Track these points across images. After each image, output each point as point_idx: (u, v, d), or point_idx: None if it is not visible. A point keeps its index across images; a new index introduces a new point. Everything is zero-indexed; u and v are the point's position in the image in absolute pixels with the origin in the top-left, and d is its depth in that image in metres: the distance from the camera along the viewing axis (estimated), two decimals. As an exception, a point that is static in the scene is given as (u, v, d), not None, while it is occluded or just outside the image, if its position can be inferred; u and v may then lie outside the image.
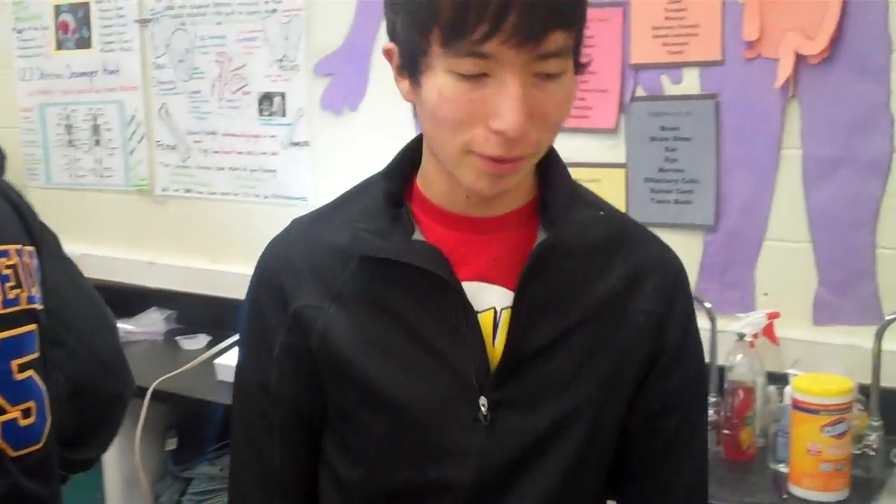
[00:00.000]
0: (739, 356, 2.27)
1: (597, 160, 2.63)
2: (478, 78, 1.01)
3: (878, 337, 2.18)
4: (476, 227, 1.16)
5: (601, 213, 1.20)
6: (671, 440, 1.22)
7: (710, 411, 2.30)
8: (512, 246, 1.16)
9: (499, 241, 1.16)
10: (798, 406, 2.05)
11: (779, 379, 2.27)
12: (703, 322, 2.35)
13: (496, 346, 1.15)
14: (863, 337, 2.26)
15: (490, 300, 1.15)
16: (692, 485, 1.25)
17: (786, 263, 2.41)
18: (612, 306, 1.17)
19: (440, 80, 1.02)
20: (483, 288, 1.15)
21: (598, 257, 1.18)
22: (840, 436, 2.02)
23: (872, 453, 2.15)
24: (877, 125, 2.28)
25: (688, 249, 2.50)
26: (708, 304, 2.36)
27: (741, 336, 2.28)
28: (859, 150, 2.31)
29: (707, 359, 2.38)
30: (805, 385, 2.06)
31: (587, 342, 1.15)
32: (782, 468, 2.11)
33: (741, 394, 2.23)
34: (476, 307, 1.14)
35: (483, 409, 1.13)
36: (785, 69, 2.33)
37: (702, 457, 1.28)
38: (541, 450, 1.14)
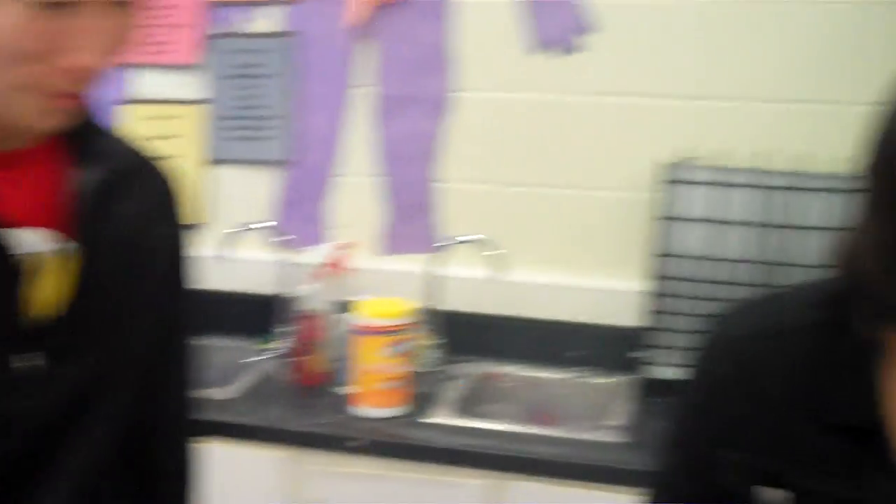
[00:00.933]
0: (311, 286, 2.36)
1: (175, 97, 2.60)
2: (56, 6, 0.90)
3: (436, 263, 2.35)
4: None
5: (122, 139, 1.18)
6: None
7: (283, 341, 2.38)
8: (44, 182, 1.06)
9: (29, 177, 1.05)
10: (361, 329, 2.17)
11: (349, 307, 2.38)
12: (279, 254, 2.50)
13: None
14: (425, 263, 2.42)
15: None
16: None
17: (357, 197, 2.53)
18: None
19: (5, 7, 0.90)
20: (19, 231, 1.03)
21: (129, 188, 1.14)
22: (399, 355, 2.16)
23: (431, 370, 2.33)
24: (439, 67, 2.44)
25: (266, 185, 2.55)
26: (284, 237, 2.43)
27: (312, 266, 2.37)
28: (424, 90, 2.46)
29: (280, 289, 2.46)
30: (367, 309, 2.18)
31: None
32: (349, 390, 2.22)
33: (311, 322, 2.32)
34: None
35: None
36: (358, 9, 2.43)
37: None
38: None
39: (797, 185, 2.21)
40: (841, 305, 0.95)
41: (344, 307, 2.33)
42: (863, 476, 0.96)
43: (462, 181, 2.48)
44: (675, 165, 2.29)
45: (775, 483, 1.00)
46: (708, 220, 2.27)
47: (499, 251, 2.32)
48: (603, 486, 1.97)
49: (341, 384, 2.25)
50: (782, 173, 2.22)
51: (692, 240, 2.29)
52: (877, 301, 0.89)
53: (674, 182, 2.28)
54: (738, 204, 2.25)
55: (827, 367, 0.97)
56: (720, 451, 1.03)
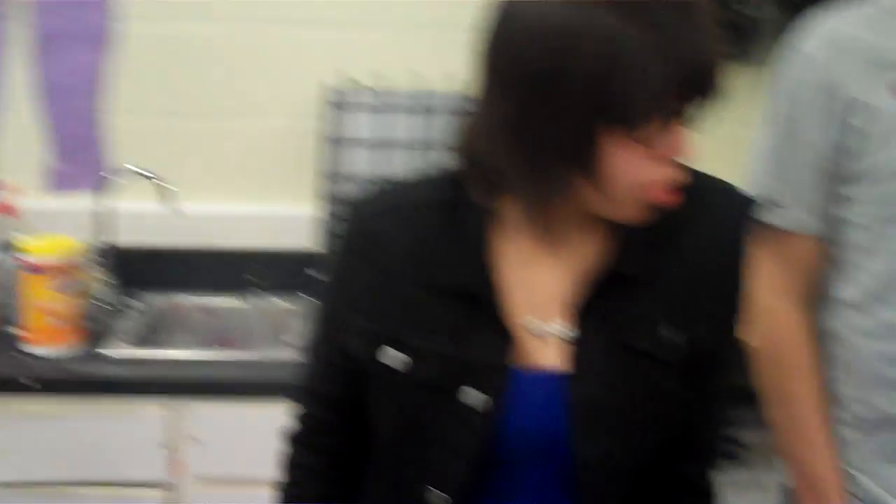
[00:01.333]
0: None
1: None
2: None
3: (106, 198, 2.32)
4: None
5: None
6: None
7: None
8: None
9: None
10: (27, 268, 2.11)
11: (16, 246, 2.30)
12: None
13: None
14: (94, 199, 2.38)
15: None
16: None
17: (21, 136, 2.44)
18: None
19: None
20: None
21: None
22: (69, 292, 2.13)
23: (105, 306, 2.31)
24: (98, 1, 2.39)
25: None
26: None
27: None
28: (84, 23, 2.39)
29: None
30: (33, 247, 2.13)
31: None
32: (19, 330, 2.16)
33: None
34: None
35: None
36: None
37: None
38: None
39: (456, 105, 2.35)
40: (460, 184, 1.09)
41: (10, 247, 2.26)
42: (472, 336, 1.09)
43: (130, 114, 2.45)
44: (339, 91, 2.37)
45: (396, 346, 1.11)
46: (373, 143, 2.38)
47: (170, 183, 2.31)
48: (281, 400, 2.03)
49: (12, 324, 2.19)
50: (441, 95, 2.36)
51: (359, 162, 2.39)
52: (488, 173, 1.05)
53: (339, 107, 2.37)
54: (401, 126, 2.37)
55: (445, 238, 1.10)
56: (350, 318, 1.14)
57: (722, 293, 1.15)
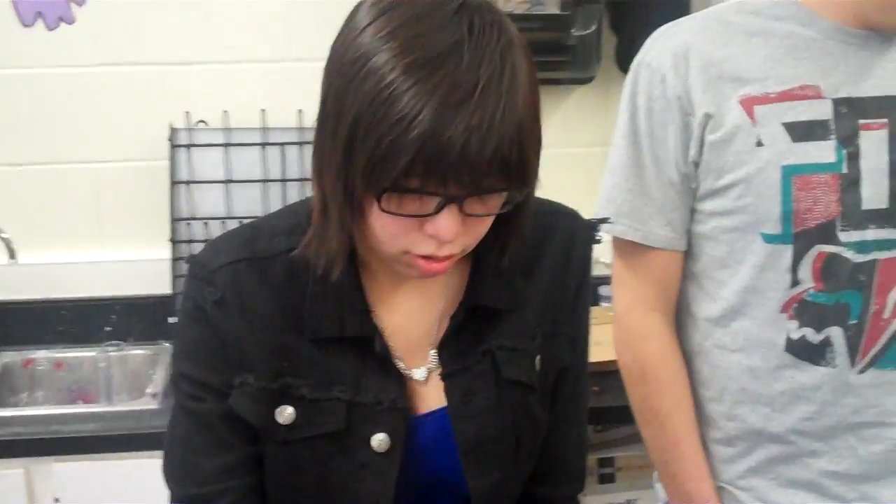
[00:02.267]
0: None
1: None
2: None
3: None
4: None
5: None
6: None
7: None
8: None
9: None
10: None
11: None
12: None
13: None
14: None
15: None
16: None
17: None
18: None
19: None
20: None
21: None
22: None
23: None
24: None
25: None
26: None
27: None
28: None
29: None
30: None
31: None
32: None
33: None
34: None
35: None
36: None
37: None
38: None
39: (295, 139, 2.36)
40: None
41: None
42: (366, 381, 1.07)
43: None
44: (187, 131, 2.34)
45: (291, 402, 1.07)
46: (219, 181, 2.35)
47: (10, 235, 2.23)
48: (143, 453, 2.00)
49: None
50: (281, 129, 2.36)
51: (211, 202, 2.36)
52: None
53: (188, 147, 2.34)
54: (244, 162, 2.36)
55: (309, 285, 1.06)
56: (235, 376, 1.07)
57: (573, 313, 1.17)
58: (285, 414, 1.07)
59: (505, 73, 0.89)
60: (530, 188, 0.97)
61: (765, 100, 1.29)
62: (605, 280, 2.41)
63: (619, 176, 1.40)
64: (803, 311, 1.31)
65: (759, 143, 1.29)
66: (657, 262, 1.40)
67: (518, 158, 0.90)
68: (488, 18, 0.91)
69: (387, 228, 0.96)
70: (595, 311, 2.49)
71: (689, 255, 1.40)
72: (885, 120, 1.28)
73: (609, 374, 2.06)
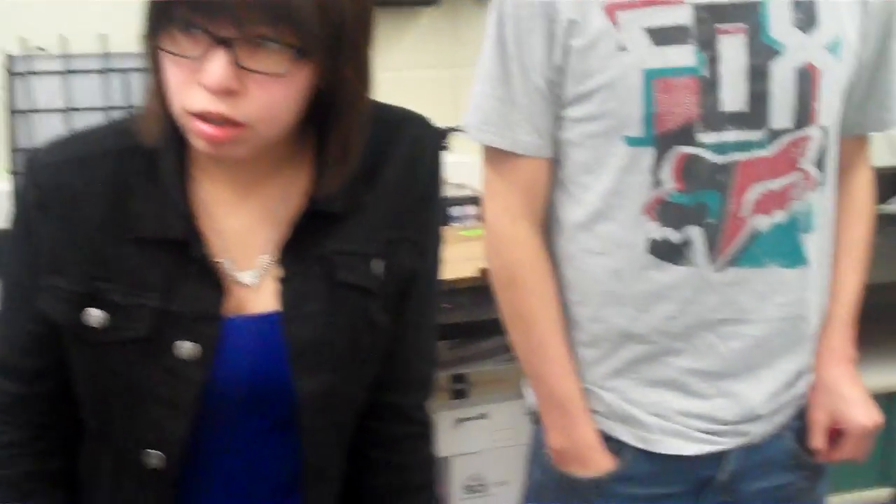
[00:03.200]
0: None
1: None
2: None
3: None
4: None
5: None
6: None
7: None
8: None
9: None
10: None
11: None
12: None
13: None
14: None
15: None
16: None
17: None
18: None
19: None
20: None
21: None
22: None
23: None
24: None
25: None
26: None
27: None
28: None
29: None
30: None
31: None
32: None
33: None
34: None
35: None
36: None
37: None
38: None
39: (136, 66, 2.26)
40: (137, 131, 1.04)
41: None
42: (181, 288, 1.05)
43: None
44: (23, 58, 2.22)
45: (99, 305, 1.05)
46: (58, 110, 2.25)
47: None
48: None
49: None
50: (122, 55, 2.27)
51: (50, 132, 2.25)
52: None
53: (21, 74, 2.22)
54: (84, 90, 2.26)
55: (141, 187, 1.05)
56: (46, 280, 1.07)
57: (420, 221, 1.17)
58: (94, 317, 1.05)
59: None
60: (329, 62, 0.97)
61: (627, 5, 1.31)
62: (458, 201, 2.47)
63: (486, 84, 1.40)
64: (664, 211, 1.34)
65: (622, 48, 1.31)
66: (525, 170, 1.41)
67: (285, 7, 0.91)
68: None
69: (170, 80, 0.96)
70: (445, 231, 2.54)
71: (555, 162, 1.42)
72: (743, 24, 1.31)
73: (458, 291, 2.14)
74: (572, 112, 1.37)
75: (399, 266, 1.14)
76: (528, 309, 1.43)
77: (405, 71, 2.44)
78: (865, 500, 2.56)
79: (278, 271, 1.09)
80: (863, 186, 1.53)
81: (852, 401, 1.46)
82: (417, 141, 1.16)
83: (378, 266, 1.12)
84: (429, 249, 1.19)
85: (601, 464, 1.43)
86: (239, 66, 0.93)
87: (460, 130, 2.15)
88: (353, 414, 1.17)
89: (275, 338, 1.09)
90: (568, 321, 1.45)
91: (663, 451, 1.41)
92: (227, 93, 0.94)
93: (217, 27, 0.92)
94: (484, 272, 2.09)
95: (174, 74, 0.96)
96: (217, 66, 0.93)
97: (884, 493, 2.57)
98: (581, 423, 1.43)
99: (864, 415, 1.46)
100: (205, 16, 0.91)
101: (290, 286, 1.09)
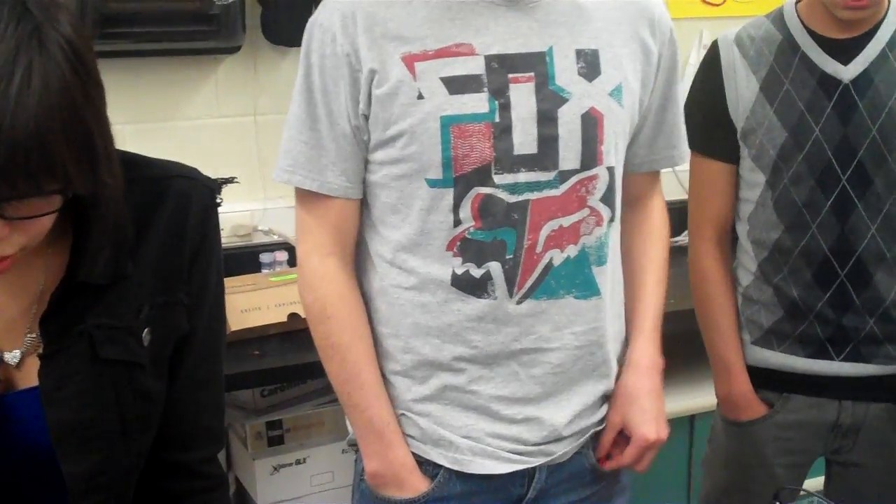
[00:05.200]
0: None
1: None
2: None
3: None
4: None
5: None
6: None
7: None
8: None
9: None
10: None
11: None
12: None
13: None
14: None
15: None
16: None
17: None
18: None
19: None
20: None
21: None
22: None
23: None
24: None
25: None
26: None
27: None
28: None
29: None
30: None
31: None
32: None
33: None
34: None
35: None
36: None
37: None
38: None
39: None
40: None
41: None
42: None
43: None
44: None
45: None
46: None
47: None
48: None
49: None
50: None
51: None
52: None
53: None
54: None
55: None
56: None
57: (192, 280, 1.16)
58: None
59: (16, 75, 0.87)
60: (89, 179, 0.94)
61: (424, 57, 1.39)
62: (268, 247, 2.49)
63: (294, 129, 1.46)
64: (466, 248, 1.42)
65: (420, 97, 1.38)
66: (334, 210, 1.47)
67: (43, 165, 0.88)
68: (19, 12, 0.89)
69: None
70: (255, 278, 2.51)
71: (364, 203, 1.49)
72: (532, 73, 1.41)
73: (269, 337, 2.15)
74: (378, 156, 1.44)
75: (170, 329, 1.13)
76: (340, 340, 1.48)
77: (207, 119, 2.45)
78: (669, 520, 2.67)
79: (39, 348, 1.07)
80: (657, 210, 1.65)
81: (645, 412, 1.55)
82: (183, 197, 1.14)
83: (146, 336, 1.11)
84: (203, 305, 1.17)
85: (416, 485, 1.48)
86: (8, 219, 0.92)
87: (233, 181, 2.19)
88: (132, 482, 1.15)
89: (41, 415, 1.07)
90: (381, 352, 1.51)
91: (475, 472, 1.48)
92: None
93: None
94: (293, 317, 2.13)
95: None
96: None
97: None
98: (396, 446, 1.48)
99: (650, 428, 1.54)
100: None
101: (51, 364, 1.07)
